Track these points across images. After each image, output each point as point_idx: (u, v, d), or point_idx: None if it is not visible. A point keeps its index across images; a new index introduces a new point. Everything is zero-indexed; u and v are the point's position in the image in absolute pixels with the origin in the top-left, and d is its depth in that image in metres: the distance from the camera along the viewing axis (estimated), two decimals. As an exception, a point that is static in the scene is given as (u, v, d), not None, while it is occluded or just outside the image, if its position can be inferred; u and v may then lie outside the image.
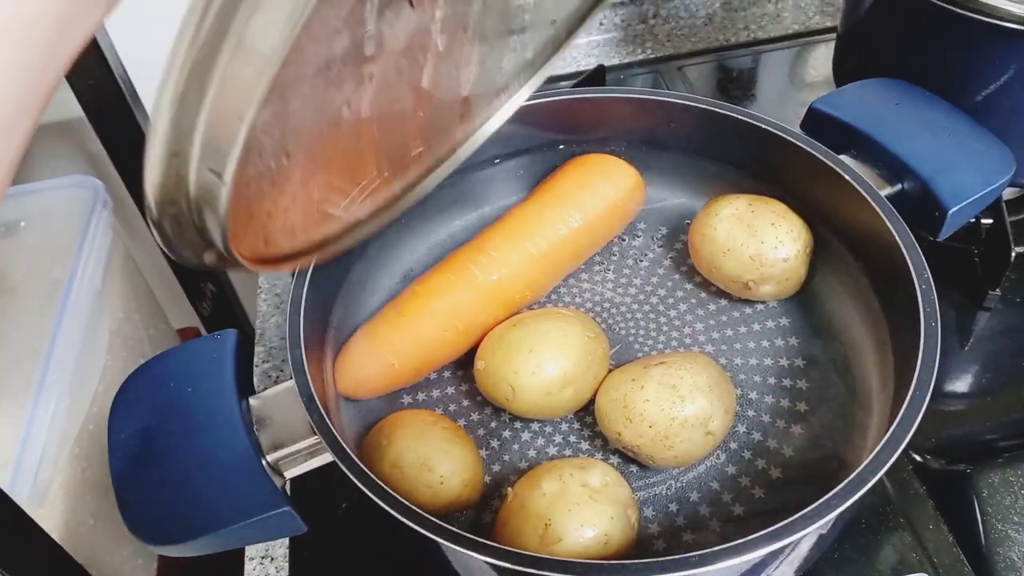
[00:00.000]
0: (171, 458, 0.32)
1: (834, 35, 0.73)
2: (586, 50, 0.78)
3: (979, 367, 0.48)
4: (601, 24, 0.78)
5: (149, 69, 0.72)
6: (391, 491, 0.30)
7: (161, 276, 0.76)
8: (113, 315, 0.61)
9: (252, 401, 0.35)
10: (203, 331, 0.84)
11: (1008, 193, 0.55)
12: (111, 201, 0.64)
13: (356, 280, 0.44)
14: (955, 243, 0.53)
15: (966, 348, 0.50)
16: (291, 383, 0.35)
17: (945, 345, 0.49)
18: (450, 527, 0.29)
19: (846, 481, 0.28)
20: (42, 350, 0.52)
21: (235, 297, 0.80)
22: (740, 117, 0.43)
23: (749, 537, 0.27)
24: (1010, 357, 0.49)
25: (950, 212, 0.38)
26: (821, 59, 0.74)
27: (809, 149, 0.41)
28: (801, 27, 0.77)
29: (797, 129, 0.43)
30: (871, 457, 0.29)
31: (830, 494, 0.28)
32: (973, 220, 0.54)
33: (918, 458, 0.44)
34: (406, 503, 0.30)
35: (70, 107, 0.65)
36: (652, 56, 0.76)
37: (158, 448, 0.33)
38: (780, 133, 0.42)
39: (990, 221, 0.53)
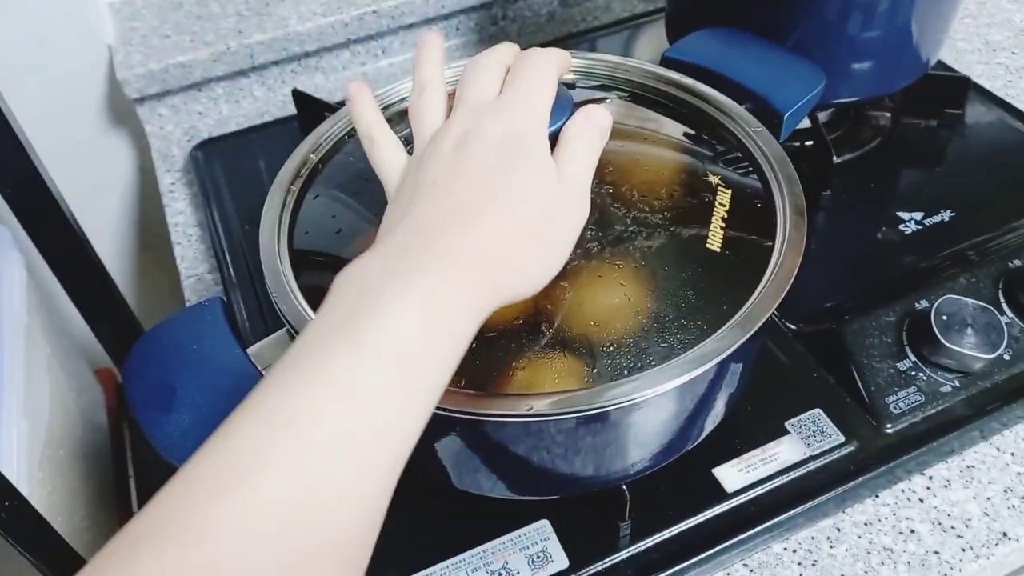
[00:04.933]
0: (196, 402, 0.36)
1: (656, 16, 0.85)
2: (448, 54, 0.85)
3: (824, 252, 0.59)
4: (457, 29, 0.86)
5: (41, 115, 0.73)
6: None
7: (72, 316, 0.76)
8: (42, 350, 0.61)
9: (250, 351, 0.39)
10: (116, 372, 0.83)
11: (823, 116, 0.67)
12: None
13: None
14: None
15: (820, 241, 0.61)
16: (281, 332, 0.40)
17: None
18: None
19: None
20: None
21: (131, 312, 0.80)
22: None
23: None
24: (843, 241, 0.60)
25: (785, 116, 0.48)
26: (649, 38, 0.85)
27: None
28: (628, 14, 0.88)
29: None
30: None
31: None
32: (798, 144, 0.66)
33: (792, 326, 0.54)
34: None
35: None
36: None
37: (181, 396, 0.36)
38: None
39: (811, 142, 0.65)
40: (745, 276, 0.39)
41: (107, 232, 0.85)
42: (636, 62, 0.52)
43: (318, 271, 0.43)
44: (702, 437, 0.44)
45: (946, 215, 0.60)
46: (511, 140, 0.34)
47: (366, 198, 0.46)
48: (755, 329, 0.36)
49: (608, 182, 0.42)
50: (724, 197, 0.42)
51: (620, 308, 0.38)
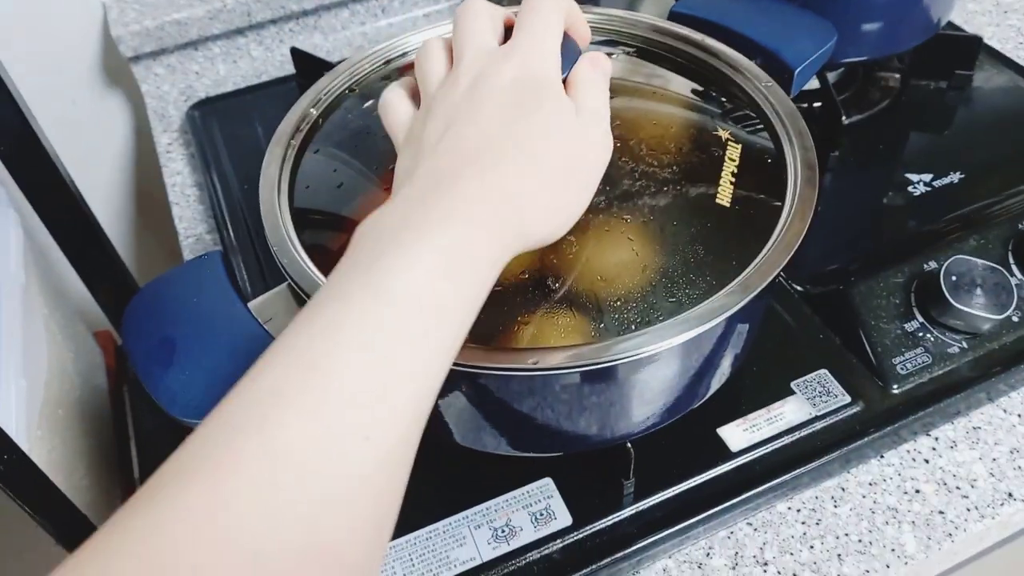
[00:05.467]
0: (197, 355, 0.36)
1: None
2: (449, 14, 0.84)
3: (832, 213, 0.59)
4: (456, -10, 0.84)
5: (36, 74, 0.71)
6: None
7: (70, 278, 0.75)
8: (39, 310, 0.61)
9: (251, 304, 0.38)
10: (116, 335, 0.83)
11: (832, 77, 0.66)
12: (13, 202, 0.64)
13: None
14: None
15: (828, 202, 0.60)
16: (282, 287, 0.39)
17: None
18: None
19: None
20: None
21: (129, 275, 0.79)
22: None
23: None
24: (851, 202, 0.59)
25: (796, 72, 0.47)
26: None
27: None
28: (634, -27, 0.87)
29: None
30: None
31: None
32: (807, 106, 0.65)
33: (799, 288, 0.54)
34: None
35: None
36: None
37: (182, 350, 0.36)
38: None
39: (820, 103, 0.64)
40: (754, 232, 0.38)
41: (104, 193, 0.84)
42: (643, 16, 0.50)
43: (319, 226, 0.42)
44: (708, 395, 0.43)
45: (955, 177, 0.59)
46: (526, 80, 0.33)
47: (367, 153, 0.45)
48: (764, 285, 0.35)
49: (616, 137, 0.41)
50: (734, 152, 0.42)
51: (627, 263, 0.37)
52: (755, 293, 0.35)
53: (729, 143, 0.42)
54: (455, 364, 0.34)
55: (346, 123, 0.47)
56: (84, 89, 0.80)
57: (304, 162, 0.45)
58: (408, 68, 0.49)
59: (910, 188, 0.59)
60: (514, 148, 0.31)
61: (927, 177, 0.60)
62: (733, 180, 0.40)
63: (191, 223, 0.66)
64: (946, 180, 0.59)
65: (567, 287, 0.37)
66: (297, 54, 0.70)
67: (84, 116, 0.81)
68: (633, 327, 0.35)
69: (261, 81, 0.78)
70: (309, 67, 0.70)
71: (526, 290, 0.37)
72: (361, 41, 0.82)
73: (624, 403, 0.39)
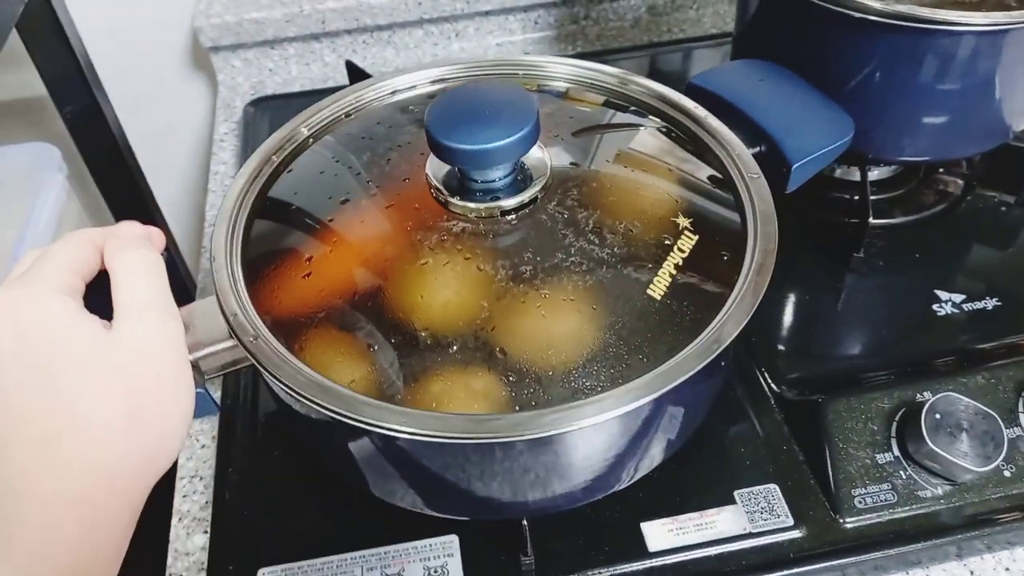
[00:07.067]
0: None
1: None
2: (522, 46, 0.84)
3: (838, 317, 0.55)
4: (536, 23, 0.84)
5: (107, 46, 0.77)
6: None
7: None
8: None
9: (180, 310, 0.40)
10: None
11: (877, 173, 0.62)
12: (66, 167, 0.69)
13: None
14: (835, 217, 0.60)
15: (839, 304, 0.56)
16: (211, 299, 0.40)
17: (817, 300, 0.55)
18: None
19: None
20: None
21: (177, 251, 0.84)
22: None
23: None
24: (866, 309, 0.55)
25: (794, 167, 0.44)
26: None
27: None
28: (718, 30, 0.84)
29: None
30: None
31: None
32: (848, 197, 0.61)
33: (776, 389, 0.50)
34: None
35: (34, 86, 0.70)
36: (583, 52, 0.83)
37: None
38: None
39: (857, 197, 0.60)
40: (678, 333, 0.36)
41: (170, 172, 0.89)
42: (652, 83, 0.49)
43: (268, 247, 0.43)
44: (627, 483, 0.41)
45: (990, 303, 0.54)
46: (30, 345, 0.30)
47: (339, 182, 0.45)
48: (657, 394, 0.33)
49: (565, 206, 0.40)
50: (686, 243, 0.39)
51: (533, 340, 0.36)
52: (640, 402, 0.33)
53: (685, 233, 0.40)
54: (339, 413, 0.34)
55: (332, 147, 0.48)
56: (171, 69, 0.85)
57: (279, 180, 0.46)
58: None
59: (935, 306, 0.54)
60: (54, 443, 0.29)
61: (958, 298, 0.54)
62: (674, 272, 0.38)
63: (220, 213, 0.69)
64: (978, 305, 0.54)
65: (468, 351, 0.36)
66: (351, 68, 0.72)
67: (167, 94, 0.86)
68: (517, 408, 0.34)
69: (327, 86, 0.80)
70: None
71: (427, 350, 0.36)
72: (431, 61, 0.83)
73: (508, 482, 0.37)
